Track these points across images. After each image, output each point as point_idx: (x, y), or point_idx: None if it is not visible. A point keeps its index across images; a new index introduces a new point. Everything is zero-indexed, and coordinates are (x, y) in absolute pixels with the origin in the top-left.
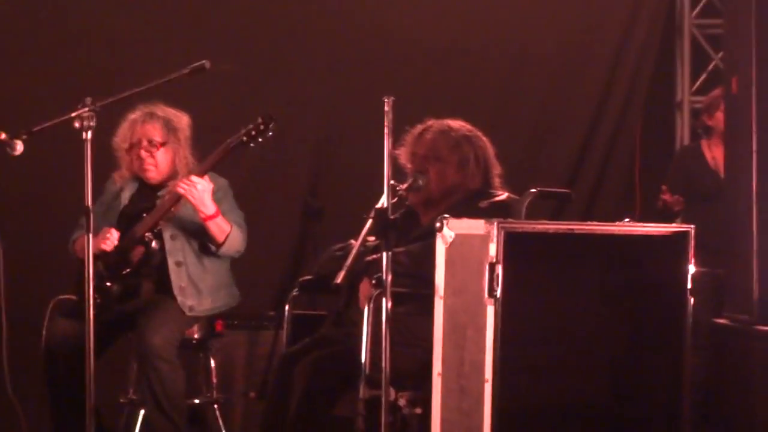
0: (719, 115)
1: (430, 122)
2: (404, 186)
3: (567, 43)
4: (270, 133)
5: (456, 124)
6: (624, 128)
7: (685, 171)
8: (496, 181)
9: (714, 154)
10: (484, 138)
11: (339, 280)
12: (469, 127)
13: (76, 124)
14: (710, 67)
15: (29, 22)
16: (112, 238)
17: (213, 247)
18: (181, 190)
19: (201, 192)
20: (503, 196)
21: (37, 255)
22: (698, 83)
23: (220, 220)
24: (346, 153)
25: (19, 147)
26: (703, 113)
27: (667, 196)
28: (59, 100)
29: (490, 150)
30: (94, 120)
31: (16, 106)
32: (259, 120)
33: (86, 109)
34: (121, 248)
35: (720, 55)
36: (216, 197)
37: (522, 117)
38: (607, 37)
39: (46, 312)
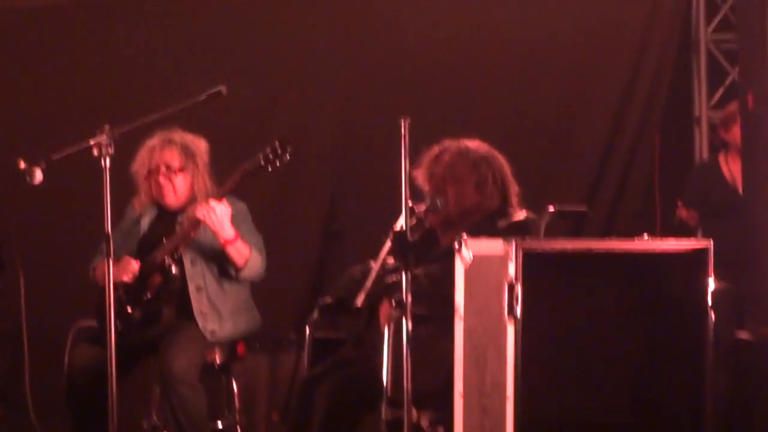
0: (736, 130)
1: (447, 143)
2: (422, 207)
3: (582, 60)
4: (287, 157)
5: (473, 144)
6: (642, 144)
7: (703, 185)
8: (514, 200)
9: (731, 168)
10: (501, 157)
11: (359, 302)
12: (486, 147)
13: (95, 152)
14: (727, 81)
15: (46, 49)
16: (132, 269)
17: (233, 272)
18: (200, 215)
19: (220, 216)
20: (521, 215)
21: (57, 282)
22: (716, 98)
23: (239, 244)
24: (364, 174)
25: (39, 175)
26: (720, 127)
27: (682, 212)
28: (77, 127)
29: (507, 169)
30: (113, 147)
31: (35, 133)
32: (276, 144)
33: (104, 136)
34: (142, 274)
35: (736, 69)
36: (235, 221)
37: (540, 134)
38: (622, 52)
39: (68, 338)
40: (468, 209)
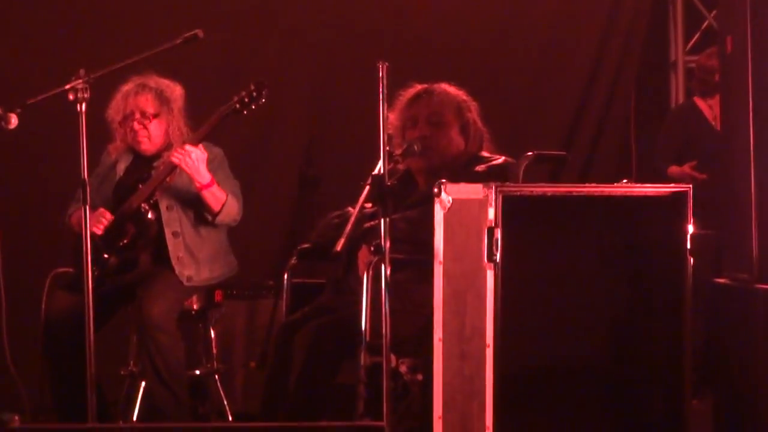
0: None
1: (423, 86)
2: (399, 152)
3: (559, 6)
4: (263, 100)
5: (451, 88)
6: (618, 90)
7: (684, 130)
8: (487, 145)
9: (716, 112)
10: (474, 102)
11: (339, 247)
12: (461, 90)
13: (71, 96)
14: (704, 26)
15: None
16: (103, 222)
17: (209, 217)
18: (175, 159)
19: (195, 160)
20: (500, 159)
21: (33, 229)
22: (692, 42)
23: (215, 189)
24: (341, 119)
25: (14, 120)
26: (714, 72)
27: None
28: (53, 72)
29: (480, 114)
30: (89, 92)
31: (10, 79)
32: (252, 87)
33: (80, 80)
34: (118, 220)
35: (713, 13)
36: (211, 167)
37: (516, 81)
38: None
39: (44, 286)
40: (455, 153)
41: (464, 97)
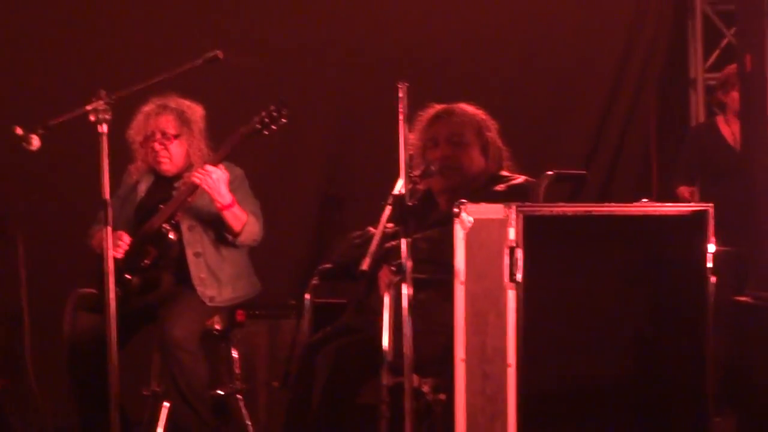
0: (734, 94)
1: (443, 106)
2: (417, 173)
3: (580, 24)
4: (284, 120)
5: (471, 108)
6: (639, 107)
7: (701, 148)
8: (507, 164)
9: (733, 129)
10: (494, 122)
11: (365, 267)
12: (480, 110)
13: (92, 118)
14: (723, 43)
15: (42, 16)
16: (122, 245)
17: (230, 237)
18: (196, 180)
19: (216, 181)
20: (520, 179)
21: (56, 249)
22: (711, 60)
23: (236, 209)
24: (361, 140)
25: (36, 142)
26: (719, 90)
27: (685, 192)
28: (74, 93)
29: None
30: (110, 113)
31: (32, 100)
32: (272, 107)
33: (101, 101)
34: (139, 240)
35: (732, 30)
36: (232, 187)
37: (536, 99)
38: (619, 16)
39: (67, 306)
40: (474, 173)
41: (484, 117)
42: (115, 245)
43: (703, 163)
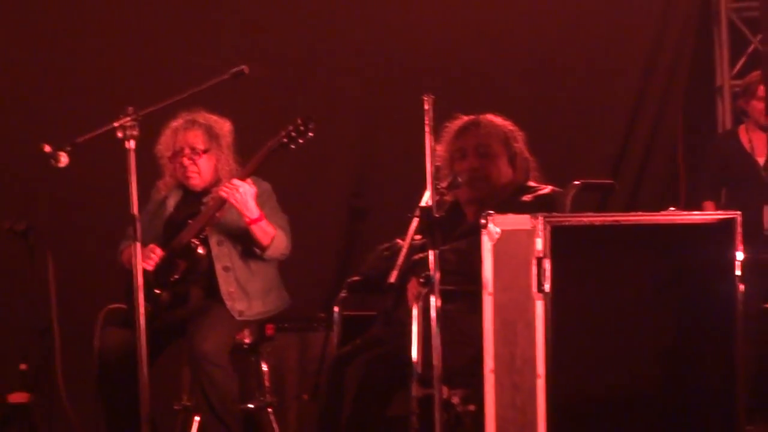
0: (755, 103)
1: (470, 118)
2: (444, 184)
3: (605, 33)
4: (310, 134)
5: (497, 119)
6: (665, 116)
7: (723, 157)
8: (534, 174)
9: (751, 137)
10: (521, 132)
11: (392, 279)
12: (508, 121)
13: (119, 134)
14: (749, 50)
15: (69, 33)
16: (153, 258)
17: (258, 251)
18: (223, 194)
19: (243, 195)
20: (547, 189)
21: (86, 265)
22: (738, 67)
23: (264, 223)
24: (387, 152)
25: (64, 159)
26: (740, 98)
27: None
28: (101, 110)
29: (526, 144)
30: (137, 129)
31: (60, 118)
32: (299, 121)
33: (128, 118)
34: (169, 255)
35: (758, 38)
36: (259, 201)
37: (562, 109)
38: (644, 24)
39: (97, 322)
40: (502, 184)
41: (511, 127)
42: (147, 258)
43: (725, 172)
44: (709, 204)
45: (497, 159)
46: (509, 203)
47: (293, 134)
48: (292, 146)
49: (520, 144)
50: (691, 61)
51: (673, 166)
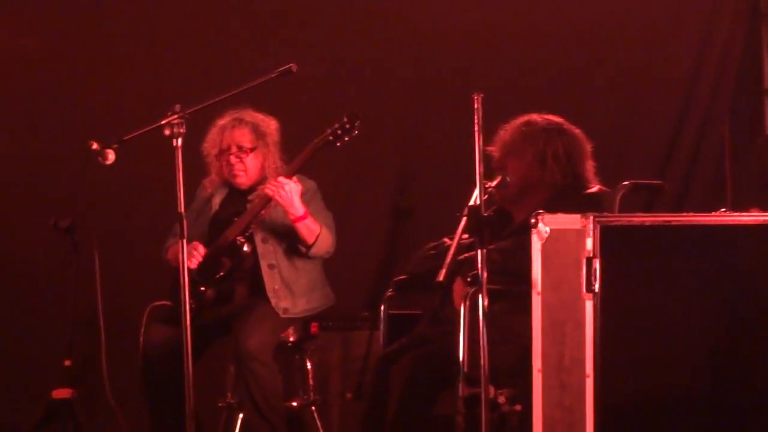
0: None
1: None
2: (493, 183)
3: (652, 33)
4: (356, 132)
5: (539, 117)
6: (713, 117)
7: (760, 161)
8: (588, 175)
9: None
10: (571, 132)
11: (441, 278)
12: (555, 120)
13: (167, 132)
14: None
15: (117, 32)
16: (197, 256)
17: (303, 249)
18: (269, 191)
19: (289, 192)
20: (595, 188)
21: (132, 263)
22: None
23: (309, 221)
24: (433, 151)
25: (111, 156)
26: None
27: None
28: (148, 108)
29: (580, 144)
30: (184, 127)
31: (107, 115)
32: (345, 119)
33: (176, 116)
34: (214, 253)
35: None
36: (304, 199)
37: (610, 110)
38: (692, 26)
39: (143, 319)
40: (529, 184)
41: (546, 126)
42: (191, 255)
43: (762, 176)
44: (755, 210)
45: (519, 158)
46: (557, 202)
47: (339, 132)
48: (338, 144)
49: (555, 143)
50: (739, 62)
51: (720, 168)
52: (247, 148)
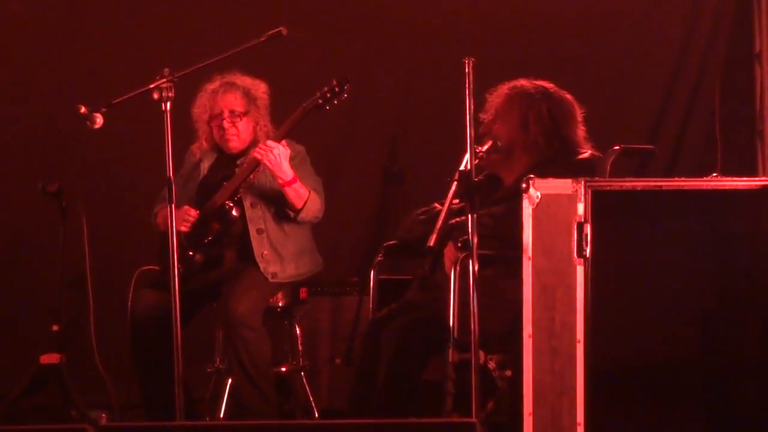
0: None
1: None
2: (484, 148)
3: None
4: (345, 95)
5: (527, 82)
6: (703, 82)
7: None
8: (578, 140)
9: None
10: (559, 96)
11: (431, 243)
12: (542, 84)
13: (155, 96)
14: None
15: None
16: (189, 219)
17: (291, 213)
18: (257, 155)
19: (277, 156)
20: (586, 153)
21: (120, 227)
22: None
23: (297, 185)
24: (424, 115)
25: (99, 120)
26: None
27: None
28: (137, 71)
29: (568, 108)
30: (173, 91)
31: (95, 79)
32: (334, 82)
33: (164, 80)
34: (202, 217)
35: None
36: (293, 163)
37: (600, 75)
38: None
39: (131, 284)
40: (515, 147)
41: (531, 91)
42: (184, 220)
43: None
44: None
45: (503, 121)
46: (547, 167)
47: (328, 95)
48: (327, 107)
49: (539, 106)
50: (729, 26)
51: (711, 132)
52: (240, 113)
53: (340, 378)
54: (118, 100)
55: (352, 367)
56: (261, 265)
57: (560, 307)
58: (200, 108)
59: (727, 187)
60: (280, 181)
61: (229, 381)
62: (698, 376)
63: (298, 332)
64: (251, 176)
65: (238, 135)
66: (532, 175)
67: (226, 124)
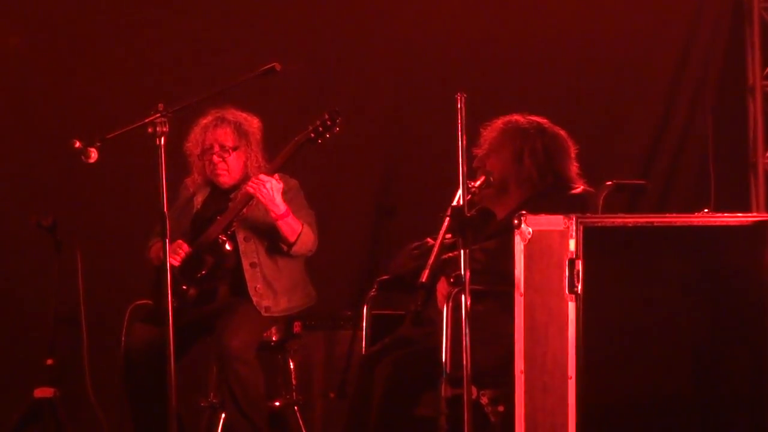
0: None
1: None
2: (476, 183)
3: (635, 32)
4: (337, 129)
5: (521, 117)
6: (696, 116)
7: None
8: (571, 175)
9: None
10: (553, 131)
11: (424, 279)
12: (536, 120)
13: (150, 130)
14: None
15: (100, 30)
16: (180, 253)
17: (284, 247)
18: (250, 189)
19: (270, 190)
20: (579, 189)
21: (114, 262)
22: None
23: (290, 219)
24: (417, 150)
25: (94, 155)
26: None
27: None
28: (132, 106)
29: (561, 143)
30: (167, 126)
31: (89, 113)
32: (326, 116)
33: (159, 114)
34: (196, 251)
35: None
36: (287, 197)
37: (593, 109)
38: (676, 24)
39: (125, 318)
40: (507, 181)
41: (525, 126)
42: (174, 253)
43: None
44: None
45: (496, 156)
46: (540, 203)
47: (320, 129)
48: (320, 141)
49: (533, 142)
50: (722, 60)
51: (703, 167)
52: (230, 147)
53: (333, 412)
54: (112, 134)
55: (346, 402)
56: (254, 299)
57: (552, 343)
58: (192, 142)
59: (718, 224)
60: (273, 215)
61: (223, 415)
62: (690, 413)
63: (291, 366)
64: (244, 210)
65: (228, 170)
66: (524, 211)
67: (216, 158)
